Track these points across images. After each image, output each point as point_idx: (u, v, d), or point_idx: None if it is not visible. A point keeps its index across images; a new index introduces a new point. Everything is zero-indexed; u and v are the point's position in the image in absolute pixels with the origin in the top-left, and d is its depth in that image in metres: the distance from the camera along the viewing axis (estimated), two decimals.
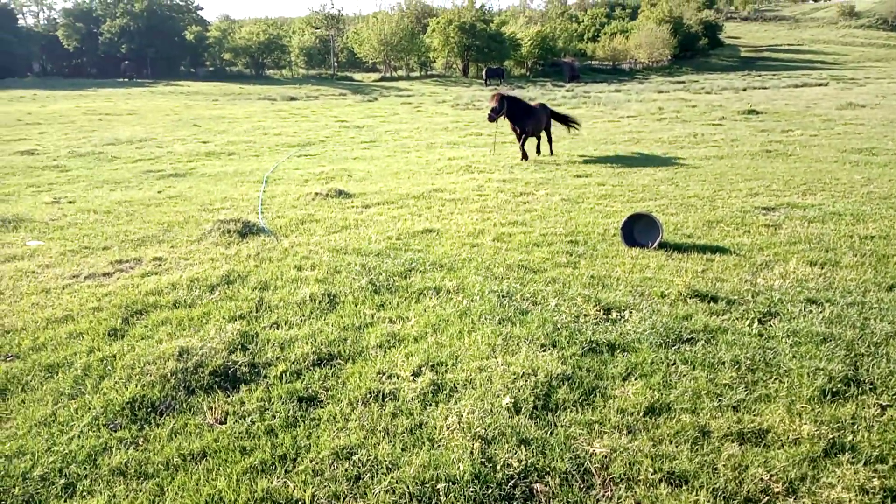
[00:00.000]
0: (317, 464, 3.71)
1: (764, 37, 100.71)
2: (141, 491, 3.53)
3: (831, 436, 3.81)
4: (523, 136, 14.38)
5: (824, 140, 16.33)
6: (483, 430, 3.92)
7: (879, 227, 8.04)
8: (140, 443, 3.97)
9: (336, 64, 78.93)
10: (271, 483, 3.56)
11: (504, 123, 14.97)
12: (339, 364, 4.88)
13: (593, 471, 3.58)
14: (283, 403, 4.33)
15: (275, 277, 6.72)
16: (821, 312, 5.51)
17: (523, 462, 3.62)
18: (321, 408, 4.31)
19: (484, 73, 60.59)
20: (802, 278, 6.36)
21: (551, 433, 3.92)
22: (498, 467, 3.59)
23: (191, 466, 3.73)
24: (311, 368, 4.81)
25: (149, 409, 4.31)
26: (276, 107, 35.74)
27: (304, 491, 3.48)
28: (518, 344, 5.07)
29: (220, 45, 75.02)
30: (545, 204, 9.99)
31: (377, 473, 3.61)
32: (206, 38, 75.23)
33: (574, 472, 3.56)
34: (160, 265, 7.29)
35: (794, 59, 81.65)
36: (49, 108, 35.01)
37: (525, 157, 14.44)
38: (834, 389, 4.31)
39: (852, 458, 3.63)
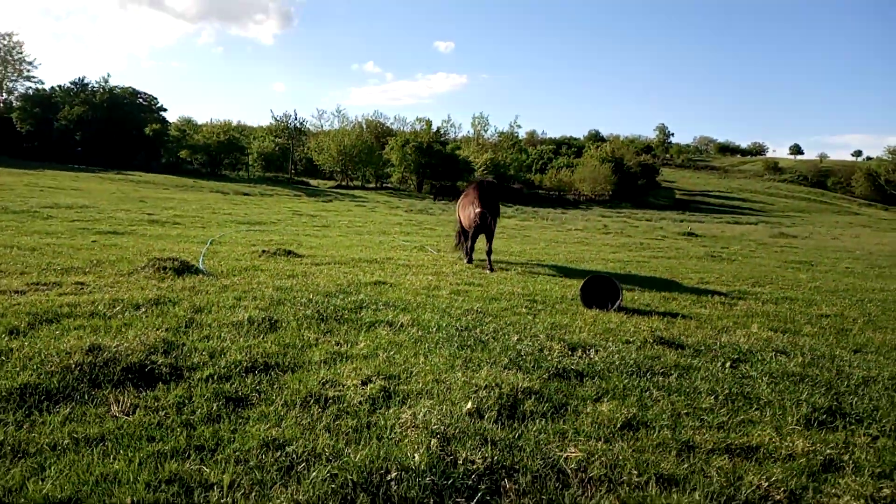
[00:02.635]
0: (241, 454, 3.07)
1: (697, 183, 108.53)
2: (14, 468, 2.81)
3: (828, 452, 3.43)
4: (487, 233, 10.81)
5: (764, 254, 17.01)
6: (442, 428, 3.38)
7: (833, 310, 8.08)
8: (25, 426, 3.24)
9: (294, 170, 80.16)
10: (182, 467, 2.89)
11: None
12: (276, 374, 4.28)
13: (569, 472, 3.06)
14: (205, 401, 3.69)
15: (210, 304, 6.10)
16: (793, 359, 5.28)
17: (488, 459, 3.08)
18: (251, 408, 3.68)
19: (435, 190, 62.39)
20: (767, 339, 6.18)
21: (520, 437, 3.40)
22: (459, 462, 3.04)
23: (83, 449, 3.04)
24: (243, 374, 4.19)
25: (42, 397, 3.60)
26: (228, 198, 35.45)
27: (223, 476, 2.83)
28: (479, 364, 4.60)
29: (179, 143, 75.42)
30: (501, 275, 9.76)
31: (314, 464, 2.99)
32: (166, 135, 75.68)
33: (548, 472, 3.04)
34: (82, 289, 6.57)
35: (724, 204, 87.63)
36: None
37: (471, 258, 11.14)
38: (820, 419, 3.98)
39: (855, 473, 3.24)
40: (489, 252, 10.76)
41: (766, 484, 3.05)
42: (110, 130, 71.44)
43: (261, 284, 7.29)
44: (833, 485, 3.11)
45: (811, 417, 3.98)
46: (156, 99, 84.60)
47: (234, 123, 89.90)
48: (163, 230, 14.58)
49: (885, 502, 2.96)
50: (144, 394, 3.77)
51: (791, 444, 3.50)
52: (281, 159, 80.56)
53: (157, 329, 4.98)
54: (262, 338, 5.07)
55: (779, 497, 2.95)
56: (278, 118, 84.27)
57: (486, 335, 5.48)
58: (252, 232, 15.86)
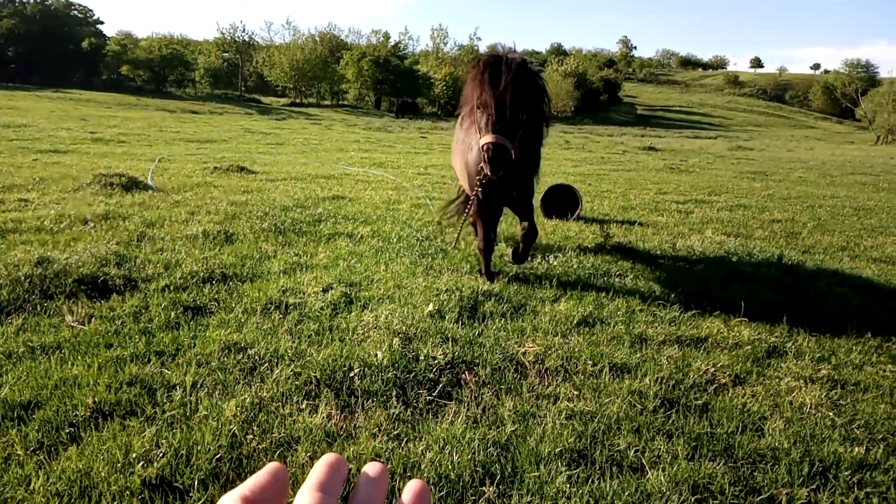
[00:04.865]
0: (202, 357, 3.07)
1: (658, 98, 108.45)
2: None
3: (772, 340, 3.62)
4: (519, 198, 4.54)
5: (720, 166, 17.32)
6: (404, 329, 3.42)
7: (784, 216, 8.34)
8: None
9: (244, 87, 76.92)
10: (143, 370, 2.88)
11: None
12: (234, 284, 4.23)
13: (527, 364, 3.16)
14: (162, 309, 3.63)
15: (162, 219, 5.93)
16: (744, 260, 5.47)
17: (449, 355, 3.15)
18: (211, 316, 3.65)
19: (396, 106, 60.83)
20: (720, 242, 6.37)
21: (480, 334, 3.48)
22: (421, 358, 3.10)
23: (40, 357, 2.99)
24: (201, 284, 4.14)
25: None
26: (175, 116, 33.98)
27: (185, 377, 2.83)
28: (440, 271, 4.64)
29: (119, 58, 71.12)
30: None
31: (277, 364, 3.01)
32: (104, 49, 71.23)
33: (506, 364, 3.14)
34: (25, 205, 6.31)
35: (684, 119, 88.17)
36: None
37: (488, 270, 4.58)
38: (768, 312, 4.17)
39: (796, 357, 3.44)
40: (527, 238, 4.44)
41: (713, 369, 3.20)
42: (45, 46, 66.91)
43: (214, 199, 7.11)
44: (775, 368, 3.29)
45: (759, 311, 4.16)
46: (91, 11, 79.23)
47: (178, 37, 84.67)
48: (107, 148, 13.98)
49: (821, 381, 3.15)
50: (99, 304, 3.70)
51: (738, 335, 3.67)
52: (230, 76, 77.07)
53: (108, 242, 4.84)
54: (219, 250, 4.98)
55: (724, 380, 3.12)
56: (224, 31, 79.56)
57: (447, 244, 5.50)
58: (202, 150, 15.32)
